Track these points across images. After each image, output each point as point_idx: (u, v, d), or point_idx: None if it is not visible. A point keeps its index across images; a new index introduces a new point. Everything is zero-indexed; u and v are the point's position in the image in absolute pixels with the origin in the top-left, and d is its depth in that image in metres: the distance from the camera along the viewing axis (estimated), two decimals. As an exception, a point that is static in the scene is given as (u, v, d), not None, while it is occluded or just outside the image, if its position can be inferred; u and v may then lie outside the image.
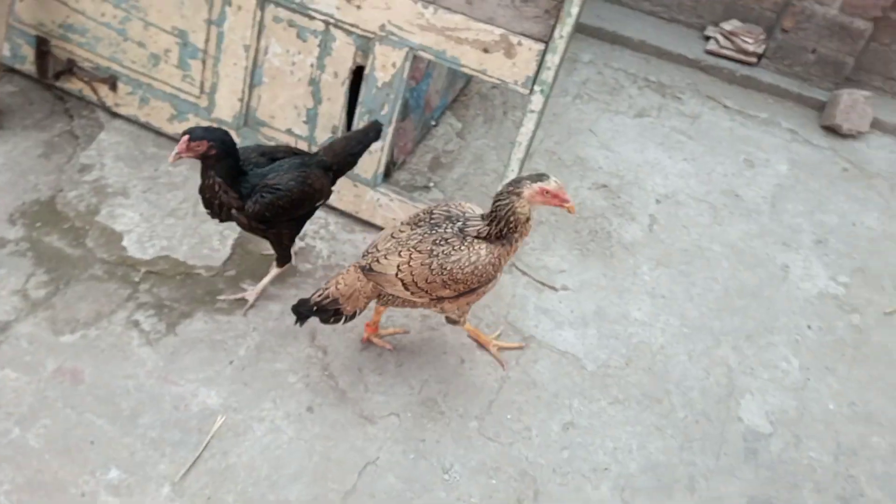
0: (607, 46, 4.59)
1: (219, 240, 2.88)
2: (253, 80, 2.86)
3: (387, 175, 3.23)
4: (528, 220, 2.20)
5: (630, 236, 3.35)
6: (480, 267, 2.20)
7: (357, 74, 2.76)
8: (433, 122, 3.64)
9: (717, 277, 3.22)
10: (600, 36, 4.62)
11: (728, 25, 4.46)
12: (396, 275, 2.22)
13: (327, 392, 2.47)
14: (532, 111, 2.51)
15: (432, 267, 2.20)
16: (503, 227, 2.19)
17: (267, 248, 2.72)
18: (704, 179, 3.79)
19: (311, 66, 2.75)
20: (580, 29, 4.65)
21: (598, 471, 2.39)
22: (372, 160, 2.85)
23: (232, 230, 2.91)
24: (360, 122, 2.80)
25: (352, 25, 2.60)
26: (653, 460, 2.45)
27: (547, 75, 2.39)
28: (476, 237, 2.21)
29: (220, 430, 2.30)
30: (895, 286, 3.34)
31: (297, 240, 2.70)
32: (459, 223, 2.25)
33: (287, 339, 2.62)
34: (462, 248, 2.21)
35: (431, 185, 3.40)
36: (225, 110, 2.96)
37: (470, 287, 2.24)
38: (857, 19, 4.15)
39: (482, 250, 2.20)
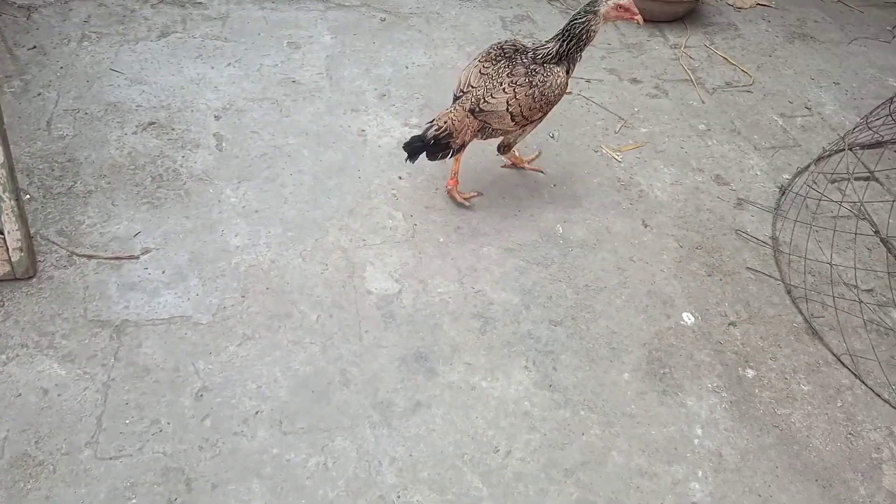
0: (92, -28, 3.95)
1: None
2: None
3: None
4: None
5: (200, 165, 3.02)
6: (564, 87, 2.58)
7: None
8: None
9: (303, 168, 3.10)
10: (78, -38, 3.94)
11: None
12: (507, 109, 2.53)
13: None
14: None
15: (535, 96, 2.51)
16: (574, 45, 2.51)
17: None
18: (256, 77, 3.56)
19: None
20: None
21: (248, 419, 2.18)
22: None
23: None
24: None
25: None
26: (301, 376, 2.32)
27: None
28: (548, 62, 2.52)
29: None
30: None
31: None
32: (529, 53, 2.57)
33: None
34: (548, 73, 2.53)
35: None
36: None
37: (552, 108, 2.64)
38: None
39: (560, 72, 2.54)
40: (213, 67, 3.57)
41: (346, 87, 3.61)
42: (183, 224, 2.76)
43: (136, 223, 2.72)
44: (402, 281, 2.68)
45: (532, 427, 2.25)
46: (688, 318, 2.65)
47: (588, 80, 3.85)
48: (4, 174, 2.21)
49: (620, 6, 2.56)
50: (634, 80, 3.91)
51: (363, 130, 3.37)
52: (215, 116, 3.30)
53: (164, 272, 2.57)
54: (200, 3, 4.03)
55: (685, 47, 4.22)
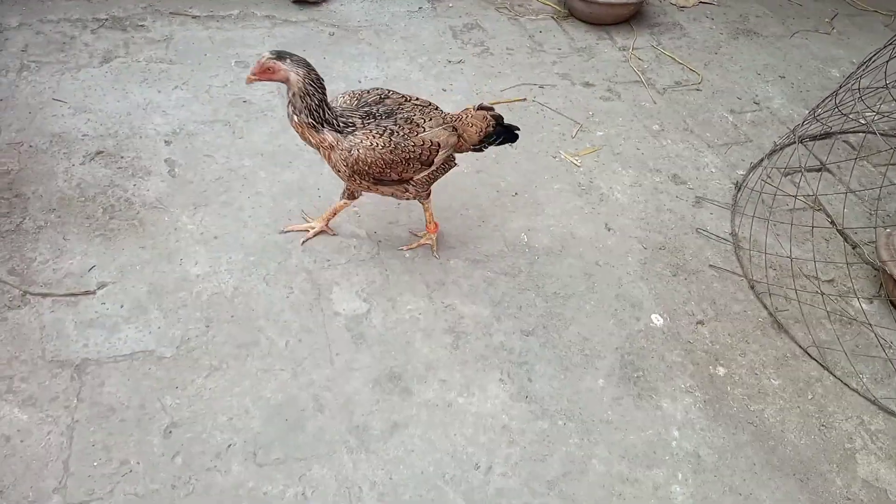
0: (33, 1, 3.82)
1: None
2: None
3: None
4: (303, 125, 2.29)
5: (153, 192, 2.94)
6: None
7: None
8: None
9: (261, 190, 3.04)
10: (12, -11, 3.81)
11: (146, -69, 4.02)
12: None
13: None
14: None
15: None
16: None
17: None
18: (206, 99, 3.49)
19: None
20: (-18, -11, 3.78)
21: (221, 453, 2.12)
22: None
23: None
24: None
25: None
26: (273, 404, 2.26)
27: None
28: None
29: None
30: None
31: None
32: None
33: None
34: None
35: None
36: None
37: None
38: None
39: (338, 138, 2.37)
40: (159, 91, 3.49)
41: (299, 104, 3.56)
42: (139, 255, 2.67)
43: (90, 257, 2.63)
44: (371, 300, 2.64)
45: (511, 441, 2.24)
46: (657, 319, 2.68)
47: (541, 86, 3.88)
48: (-54, 216, 2.10)
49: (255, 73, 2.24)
50: (587, 84, 3.95)
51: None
52: (165, 141, 3.21)
53: (122, 306, 2.48)
54: (142, 25, 3.93)
55: (633, 49, 4.29)
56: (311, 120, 2.26)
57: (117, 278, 2.57)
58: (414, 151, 2.39)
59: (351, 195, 2.71)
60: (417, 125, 2.41)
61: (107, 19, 3.89)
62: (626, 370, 2.49)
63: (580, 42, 4.32)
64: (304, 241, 2.80)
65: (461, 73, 3.92)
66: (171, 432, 2.14)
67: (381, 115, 2.38)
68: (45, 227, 2.71)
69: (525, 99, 3.76)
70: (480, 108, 2.63)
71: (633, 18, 4.55)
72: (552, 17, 4.53)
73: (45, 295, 2.47)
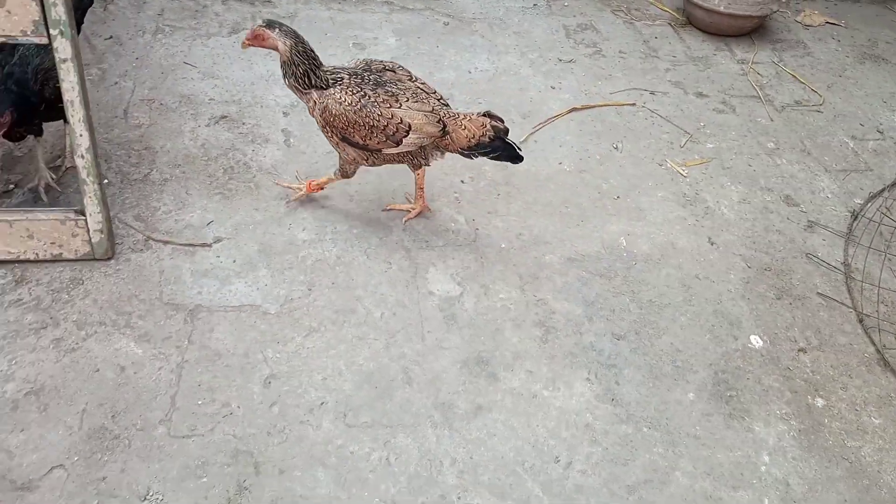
0: (171, -34, 4.07)
1: None
2: None
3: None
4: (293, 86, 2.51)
5: (269, 159, 3.08)
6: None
7: None
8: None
9: (369, 168, 3.12)
10: (159, -44, 4.06)
11: (285, -90, 4.20)
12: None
13: (-44, 490, 1.90)
14: (64, 60, 2.03)
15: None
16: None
17: None
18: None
19: None
20: (132, -46, 4.04)
21: (314, 409, 2.21)
22: None
23: None
24: None
25: None
26: (365, 371, 2.34)
27: (57, 12, 1.91)
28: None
29: None
30: (521, 115, 3.56)
31: None
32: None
33: None
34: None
35: (11, 186, 2.75)
36: None
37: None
38: None
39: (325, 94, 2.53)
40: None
41: (410, 89, 3.64)
42: (253, 216, 2.81)
43: (208, 212, 2.78)
44: (464, 284, 2.69)
45: (594, 440, 2.24)
46: (756, 341, 2.61)
47: (653, 93, 3.82)
48: (89, 159, 2.28)
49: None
50: (700, 94, 3.87)
51: (427, 133, 3.39)
52: (284, 113, 3.36)
53: (234, 261, 2.62)
54: (270, 1, 4.10)
55: (753, 63, 4.16)
56: (296, 84, 2.48)
57: (232, 235, 2.71)
58: (379, 121, 2.45)
59: (343, 174, 2.74)
60: (396, 100, 2.46)
61: (239, -8, 4.09)
62: (718, 388, 2.43)
63: (697, 51, 4.23)
64: (290, 200, 2.86)
65: (571, 73, 3.91)
66: (270, 383, 2.25)
67: (370, 80, 2.49)
68: (170, 180, 2.89)
69: (634, 104, 3.71)
70: (487, 114, 2.56)
71: (754, 32, 4.41)
72: (669, 24, 4.45)
73: (165, 242, 2.63)
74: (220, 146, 3.10)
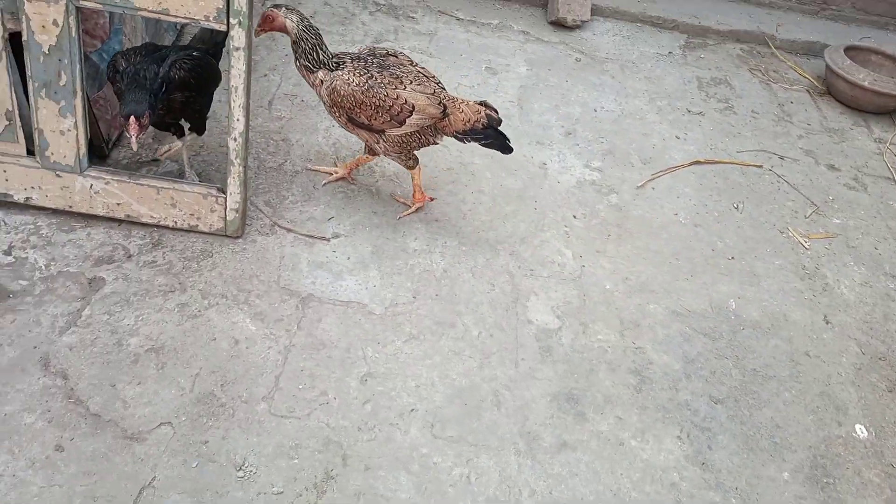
0: (327, -27, 4.31)
1: None
2: None
3: (101, 157, 2.75)
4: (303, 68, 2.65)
5: (392, 166, 3.20)
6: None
7: (18, 43, 2.24)
8: (147, 85, 3.15)
9: (483, 189, 3.20)
10: (318, -37, 4.31)
11: (443, -66, 4.38)
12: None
13: (77, 422, 2.07)
14: (237, 48, 2.20)
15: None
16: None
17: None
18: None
19: (-51, 41, 2.17)
20: (295, -42, 4.30)
21: (404, 414, 2.27)
22: (67, 142, 2.37)
23: None
24: (37, 98, 2.29)
25: (-17, -18, 2.06)
26: (456, 386, 2.39)
27: (240, 3, 2.08)
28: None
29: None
30: (642, 160, 3.55)
31: (8, 255, 2.40)
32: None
33: (13, 374, 2.15)
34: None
35: (161, 156, 2.97)
36: None
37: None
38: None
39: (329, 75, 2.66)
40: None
41: (534, 119, 3.70)
42: (371, 218, 2.93)
43: (331, 209, 2.92)
44: (564, 319, 2.70)
45: (678, 501, 2.19)
46: (861, 430, 2.48)
47: (782, 157, 3.72)
48: (241, 142, 2.45)
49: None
50: (832, 167, 3.73)
51: (545, 164, 3.43)
52: (412, 123, 3.47)
53: (349, 258, 2.74)
54: (413, 17, 4.27)
55: (891, 143, 3.98)
56: (307, 62, 2.56)
57: (349, 233, 2.83)
58: (385, 101, 2.56)
59: (370, 151, 2.87)
60: (401, 82, 2.59)
61: (384, 5, 4.28)
62: (815, 472, 2.33)
63: (833, 122, 4.08)
64: (325, 183, 2.97)
65: (698, 125, 3.86)
66: (366, 381, 2.33)
67: (374, 63, 2.61)
68: (300, 172, 3.05)
69: (761, 166, 3.63)
70: (482, 103, 2.73)
71: (897, 112, 4.23)
72: (807, 91, 4.32)
73: (289, 230, 2.78)
74: (349, 148, 3.25)
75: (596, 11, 4.51)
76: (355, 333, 2.47)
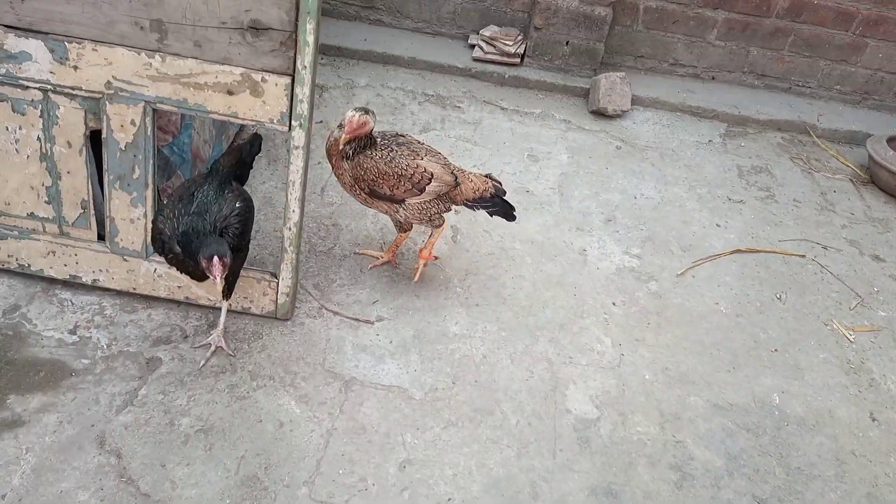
0: (380, 68, 4.58)
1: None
2: (-28, 166, 2.45)
3: (164, 240, 2.93)
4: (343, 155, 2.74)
5: (436, 251, 3.31)
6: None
7: (97, 139, 2.47)
8: (209, 174, 3.38)
9: (524, 274, 3.28)
10: (372, 58, 4.60)
11: (487, 31, 4.63)
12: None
13: (128, 501, 2.15)
14: (297, 147, 2.38)
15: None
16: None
17: (33, 354, 2.32)
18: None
19: (39, 139, 2.41)
20: (351, 54, 4.61)
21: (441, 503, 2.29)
22: (136, 229, 2.56)
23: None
24: (111, 189, 2.50)
25: (73, 88, 2.30)
26: (494, 476, 2.40)
27: (302, 108, 2.27)
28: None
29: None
30: (681, 248, 3.59)
31: (73, 334, 2.58)
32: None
33: (70, 452, 2.26)
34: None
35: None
36: (-55, 206, 2.52)
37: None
38: (597, 6, 4.48)
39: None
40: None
41: (574, 205, 3.80)
42: (413, 302, 3.02)
43: (376, 292, 3.03)
44: (602, 409, 2.70)
45: None
46: (914, 536, 2.39)
47: (825, 247, 3.72)
48: (295, 232, 2.60)
49: (341, 124, 2.66)
50: (877, 258, 3.70)
51: (584, 250, 3.51)
52: (455, 210, 3.60)
53: (391, 342, 2.82)
54: (459, 107, 4.48)
55: (940, 234, 3.94)
56: (351, 152, 2.73)
57: (392, 316, 2.93)
58: (406, 170, 2.75)
59: (401, 229, 3.03)
60: (417, 154, 2.82)
61: (433, 95, 4.51)
62: (865, 580, 2.24)
63: (877, 212, 4.07)
64: (371, 267, 3.12)
65: (739, 213, 3.90)
66: (405, 467, 2.37)
67: (391, 141, 2.83)
68: (348, 256, 3.20)
69: (804, 255, 3.63)
70: (488, 176, 3.00)
71: (946, 202, 4.19)
72: (850, 180, 4.33)
73: (335, 313, 2.89)
74: (394, 232, 3.38)
75: (636, 101, 4.66)
76: (395, 418, 2.53)
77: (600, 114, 4.55)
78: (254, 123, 2.35)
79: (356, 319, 2.88)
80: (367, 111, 2.67)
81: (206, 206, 2.42)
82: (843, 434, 2.72)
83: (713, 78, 4.94)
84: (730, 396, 2.81)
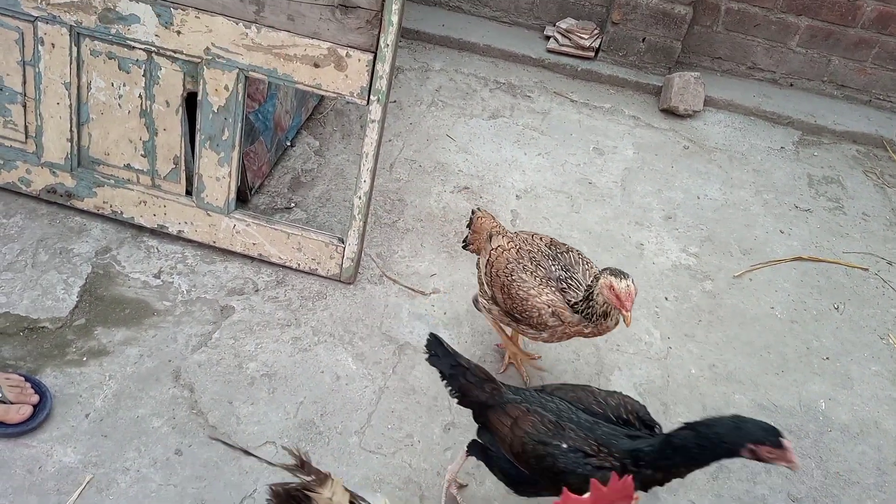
0: (455, 53, 4.70)
1: (63, 288, 2.69)
2: (80, 117, 2.70)
3: (243, 201, 3.15)
4: (605, 314, 2.24)
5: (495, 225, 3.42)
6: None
7: (192, 101, 2.68)
8: (288, 143, 3.58)
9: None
10: (448, 44, 4.72)
11: (564, 24, 4.69)
12: None
13: (196, 431, 2.36)
14: (373, 121, 2.53)
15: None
16: (585, 304, 2.27)
17: (120, 292, 2.57)
18: (559, 171, 3.95)
19: (140, 96, 2.63)
20: (428, 39, 4.74)
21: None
22: (221, 187, 2.76)
23: (77, 276, 2.73)
24: (202, 148, 2.72)
25: (175, 52, 2.51)
26: (533, 447, 2.50)
27: (381, 84, 2.41)
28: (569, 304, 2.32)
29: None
30: (741, 251, 3.60)
31: (157, 278, 2.80)
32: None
33: (148, 382, 2.48)
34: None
35: (293, 205, 3.35)
36: (54, 153, 2.78)
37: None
38: (678, 5, 4.48)
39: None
40: (525, 154, 4.03)
41: (635, 200, 3.84)
42: (469, 279, 3.15)
43: (434, 266, 3.17)
44: (645, 396, 2.77)
45: (743, 590, 2.19)
46: (951, 552, 2.38)
47: (890, 262, 3.65)
48: (364, 201, 2.76)
49: (611, 288, 2.16)
50: (945, 278, 3.61)
51: (642, 244, 3.55)
52: (516, 196, 3.71)
53: (445, 313, 2.96)
54: (529, 96, 4.56)
55: None
56: (578, 310, 2.33)
57: (448, 290, 3.06)
58: (515, 307, 2.39)
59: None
60: (530, 294, 2.35)
61: (504, 83, 4.61)
62: (895, 587, 2.26)
63: (951, 231, 3.96)
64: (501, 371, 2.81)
65: (805, 222, 3.86)
66: (449, 429, 2.51)
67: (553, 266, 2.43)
68: (411, 230, 3.34)
69: (867, 269, 3.57)
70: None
71: None
72: (926, 197, 4.21)
73: (395, 281, 3.05)
74: (457, 212, 3.51)
75: (709, 102, 4.64)
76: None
77: (671, 112, 4.55)
78: (334, 95, 2.51)
79: (413, 290, 3.02)
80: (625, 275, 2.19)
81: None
82: (888, 445, 2.70)
83: (791, 84, 4.86)
84: (775, 398, 2.83)
